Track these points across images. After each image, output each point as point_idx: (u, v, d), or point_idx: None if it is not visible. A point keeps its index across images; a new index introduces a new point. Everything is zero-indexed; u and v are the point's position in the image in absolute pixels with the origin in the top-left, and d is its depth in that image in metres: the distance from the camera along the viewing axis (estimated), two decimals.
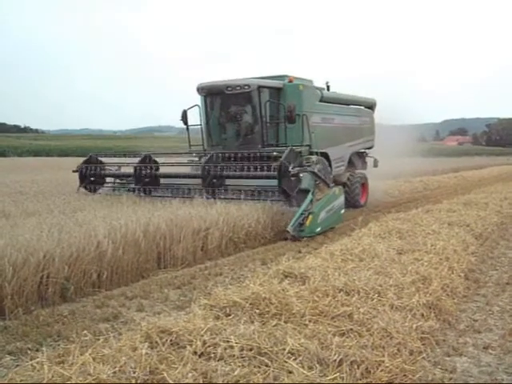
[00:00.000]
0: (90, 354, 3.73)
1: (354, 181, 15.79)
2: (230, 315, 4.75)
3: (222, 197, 11.27)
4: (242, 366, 3.67)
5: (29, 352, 4.68)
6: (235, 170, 12.03)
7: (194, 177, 12.38)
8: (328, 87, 16.19)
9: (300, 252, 9.10)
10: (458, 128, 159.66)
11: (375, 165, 17.61)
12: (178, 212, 8.86)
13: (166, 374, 3.49)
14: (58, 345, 4.81)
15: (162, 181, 13.08)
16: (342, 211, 12.00)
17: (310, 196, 10.77)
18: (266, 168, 11.41)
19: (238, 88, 13.31)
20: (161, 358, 3.76)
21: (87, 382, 3.31)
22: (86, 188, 13.96)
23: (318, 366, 3.74)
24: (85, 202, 11.38)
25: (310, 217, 10.43)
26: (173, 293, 6.79)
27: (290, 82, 13.94)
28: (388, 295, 5.41)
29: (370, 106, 18.32)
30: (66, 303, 6.32)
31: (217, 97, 14.09)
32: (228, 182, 12.02)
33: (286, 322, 4.55)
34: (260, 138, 13.47)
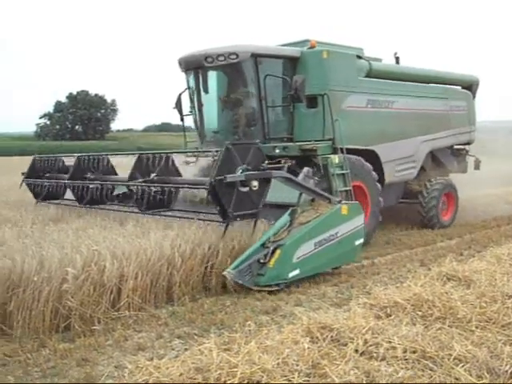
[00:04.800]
0: (255, 344, 3.87)
1: (431, 189, 11.49)
2: (390, 315, 4.69)
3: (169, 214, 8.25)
4: (406, 368, 3.60)
5: (195, 337, 5.01)
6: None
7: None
8: (397, 59, 11.96)
9: (462, 254, 8.68)
10: None
11: (476, 166, 13.38)
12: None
13: (328, 370, 3.53)
14: (222, 333, 5.03)
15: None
16: (359, 242, 7.62)
17: (284, 218, 7.25)
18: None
19: (222, 58, 9.32)
20: (322, 353, 3.81)
21: (253, 370, 3.44)
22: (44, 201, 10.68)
23: (487, 375, 3.56)
24: None
25: (278, 252, 6.72)
26: (330, 289, 6.84)
27: (312, 47, 9.83)
28: None
29: (469, 86, 13.47)
30: (228, 294, 6.62)
31: (200, 73, 10.16)
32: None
33: (450, 327, 4.38)
34: (260, 130, 9.59)
